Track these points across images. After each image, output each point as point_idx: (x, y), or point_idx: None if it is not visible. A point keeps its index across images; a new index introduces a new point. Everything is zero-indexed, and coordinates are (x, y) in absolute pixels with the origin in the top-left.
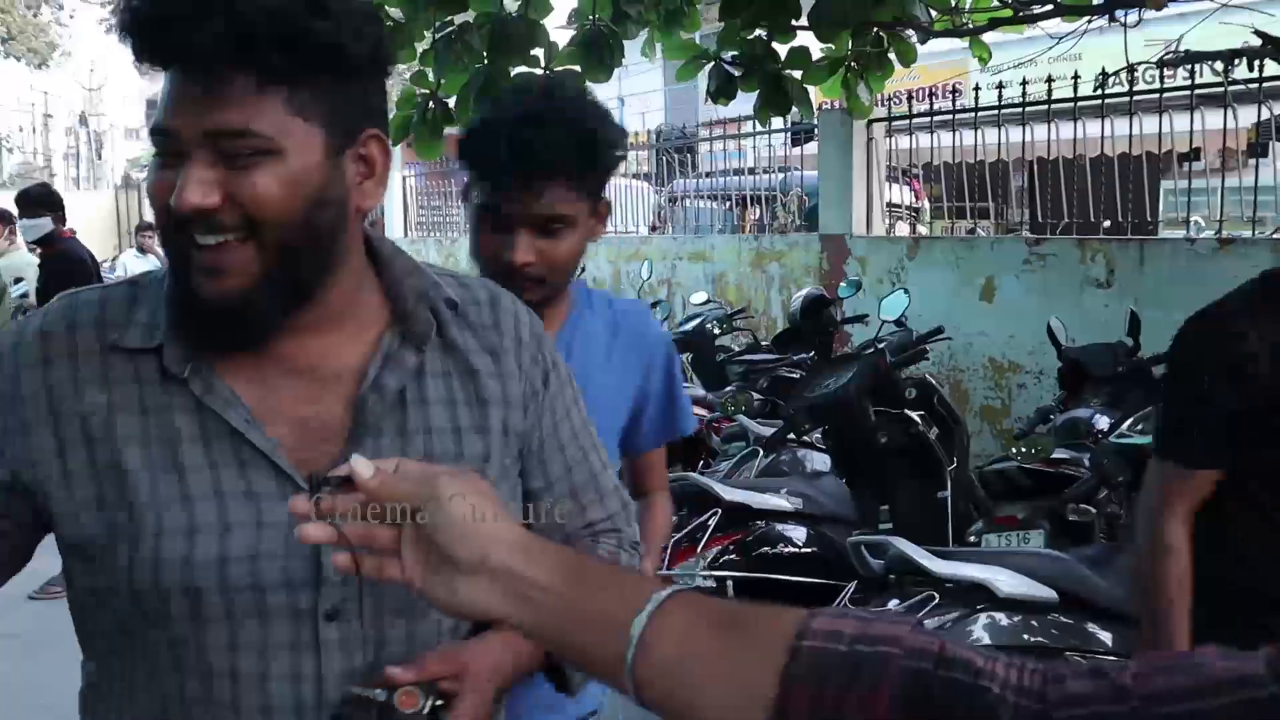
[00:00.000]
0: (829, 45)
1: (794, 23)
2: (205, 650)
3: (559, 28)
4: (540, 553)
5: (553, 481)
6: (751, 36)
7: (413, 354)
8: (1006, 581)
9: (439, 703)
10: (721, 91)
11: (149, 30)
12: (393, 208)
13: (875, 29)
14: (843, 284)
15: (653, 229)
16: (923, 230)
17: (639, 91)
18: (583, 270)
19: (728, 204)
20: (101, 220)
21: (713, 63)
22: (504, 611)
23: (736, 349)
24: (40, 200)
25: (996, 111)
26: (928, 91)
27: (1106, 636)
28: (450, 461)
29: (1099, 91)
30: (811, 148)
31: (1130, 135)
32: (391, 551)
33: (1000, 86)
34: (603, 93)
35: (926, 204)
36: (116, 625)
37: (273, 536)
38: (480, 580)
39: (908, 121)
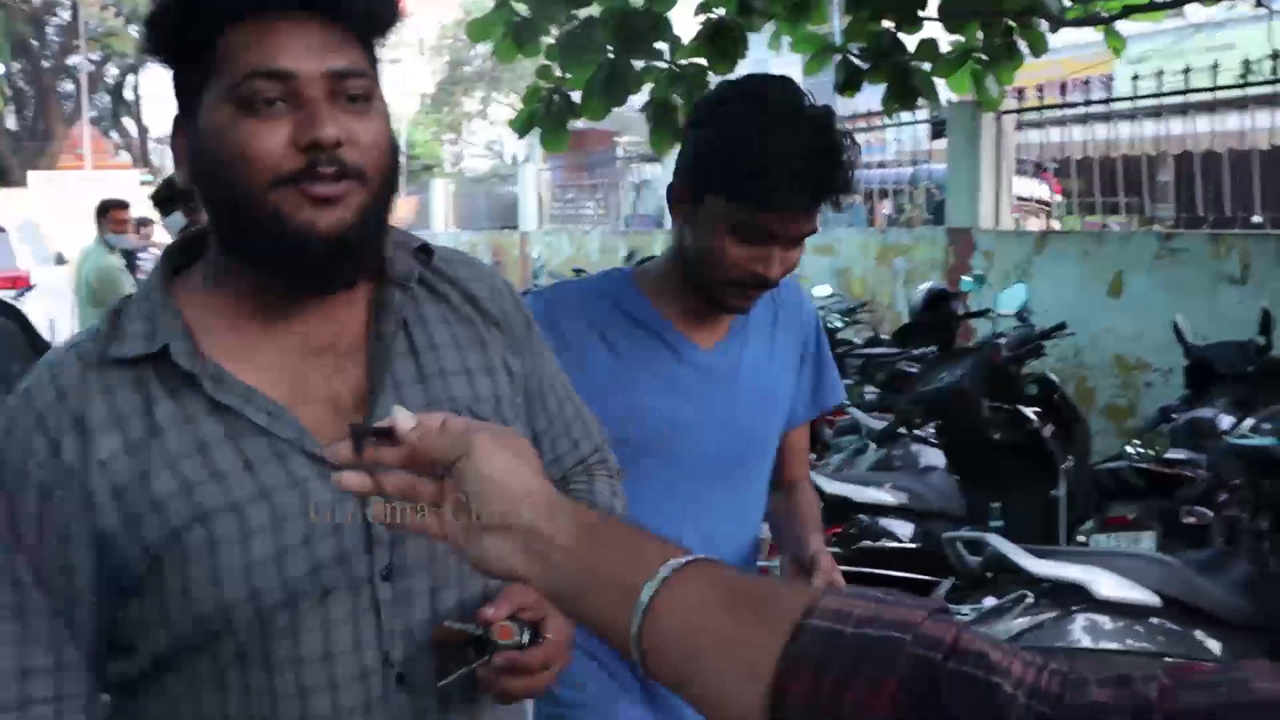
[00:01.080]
0: (957, 36)
1: (921, 14)
2: (269, 652)
3: (689, 19)
4: (563, 512)
5: (553, 420)
6: (879, 28)
7: (398, 293)
8: (1105, 583)
9: (532, 632)
10: (849, 84)
11: None
12: (527, 200)
13: (1005, 19)
14: (966, 278)
15: None
16: (1054, 225)
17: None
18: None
19: (858, 198)
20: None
21: (840, 55)
22: (524, 570)
23: (858, 342)
24: (170, 196)
25: (1132, 104)
26: (1062, 85)
27: (1215, 645)
28: (468, 404)
29: (1241, 81)
30: (944, 143)
31: (1273, 128)
32: (433, 504)
33: (1136, 78)
34: None
35: (1060, 198)
36: (164, 653)
37: (320, 519)
38: (505, 537)
39: (1039, 114)
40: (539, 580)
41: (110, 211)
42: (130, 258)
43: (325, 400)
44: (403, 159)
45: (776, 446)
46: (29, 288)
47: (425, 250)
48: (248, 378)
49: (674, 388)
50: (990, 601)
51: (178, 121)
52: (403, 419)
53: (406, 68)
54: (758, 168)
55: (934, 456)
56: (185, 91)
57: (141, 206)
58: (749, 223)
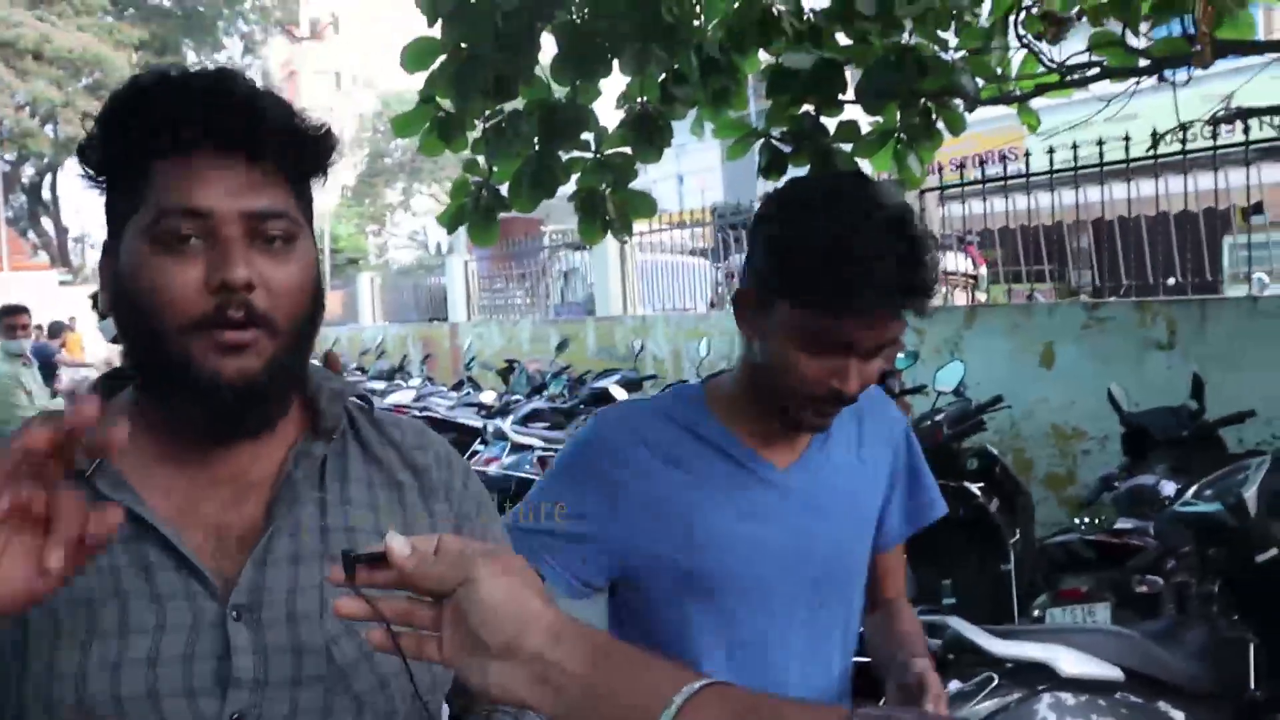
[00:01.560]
0: (877, 118)
1: (840, 97)
2: None
3: (612, 109)
4: (572, 638)
5: None
6: (799, 113)
7: (321, 446)
8: (1069, 660)
9: None
10: (772, 167)
11: (176, 117)
12: (455, 291)
13: (922, 100)
14: (900, 355)
15: (712, 305)
16: (981, 297)
17: (697, 169)
18: (641, 348)
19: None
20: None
21: (762, 139)
22: (532, 698)
23: None
24: None
25: (1049, 175)
26: (980, 159)
27: (1179, 716)
28: (370, 537)
29: (1151, 152)
30: None
31: (1185, 193)
32: (431, 630)
33: (1051, 151)
34: (661, 170)
35: (985, 270)
36: None
37: (173, 641)
38: (511, 665)
39: (960, 189)
40: (549, 709)
41: (4, 318)
42: (47, 362)
43: (213, 527)
44: (327, 253)
45: (868, 568)
46: None
47: (365, 402)
48: (146, 496)
49: (752, 512)
50: (955, 685)
51: (106, 246)
52: (398, 545)
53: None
54: (834, 269)
55: None
56: (113, 217)
57: (59, 308)
58: (825, 331)
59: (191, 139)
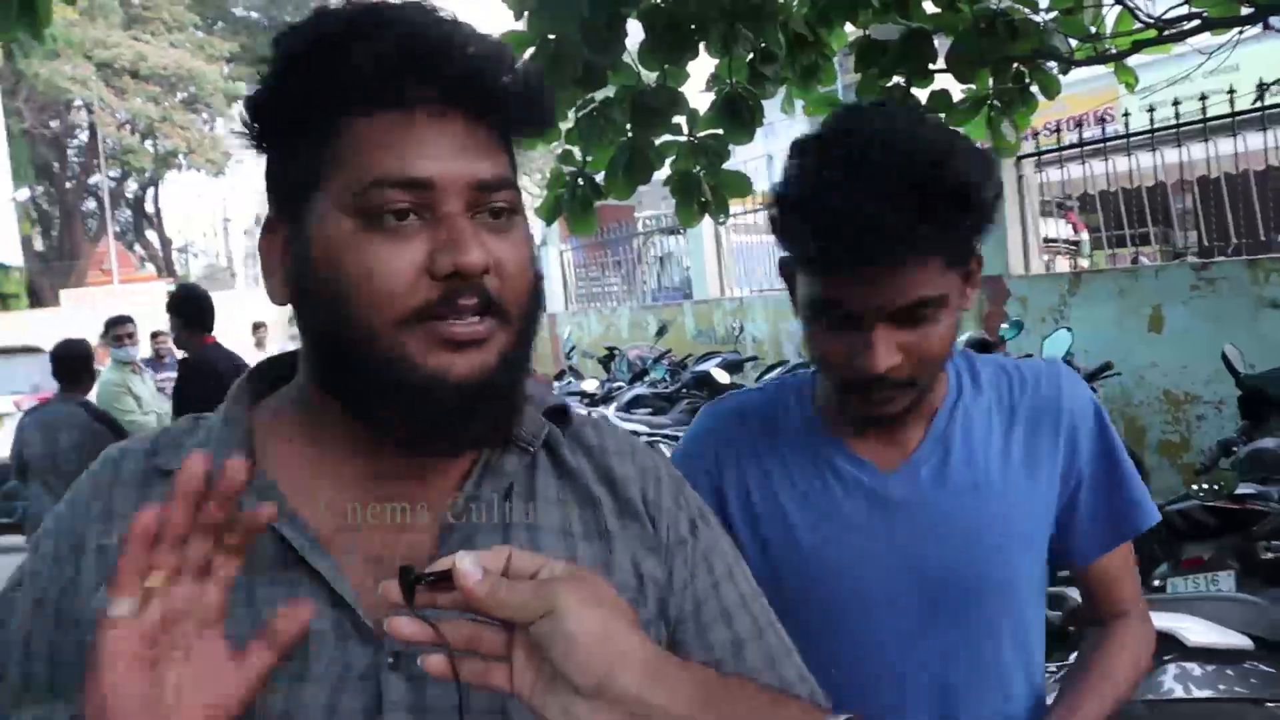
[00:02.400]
0: (969, 86)
1: (931, 66)
2: None
3: (700, 92)
4: (675, 677)
5: (718, 658)
6: (889, 85)
7: (515, 458)
8: (1194, 630)
9: None
10: None
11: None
12: (552, 281)
13: (1015, 64)
14: (1004, 326)
15: None
16: (1084, 263)
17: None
18: (740, 330)
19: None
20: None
21: None
22: None
23: None
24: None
25: (1150, 135)
26: (1077, 121)
27: None
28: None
29: (1257, 104)
30: None
31: None
32: (499, 656)
33: (1151, 109)
34: (751, 150)
35: (1086, 235)
36: None
37: (315, 694)
38: (601, 707)
39: (1058, 154)
40: None
41: (112, 329)
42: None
43: (373, 555)
44: None
45: (1035, 582)
46: None
47: (561, 413)
48: (298, 509)
49: (835, 522)
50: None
51: (271, 222)
52: (466, 567)
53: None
54: (815, 219)
55: None
56: (285, 189)
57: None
58: (831, 298)
59: (412, 93)
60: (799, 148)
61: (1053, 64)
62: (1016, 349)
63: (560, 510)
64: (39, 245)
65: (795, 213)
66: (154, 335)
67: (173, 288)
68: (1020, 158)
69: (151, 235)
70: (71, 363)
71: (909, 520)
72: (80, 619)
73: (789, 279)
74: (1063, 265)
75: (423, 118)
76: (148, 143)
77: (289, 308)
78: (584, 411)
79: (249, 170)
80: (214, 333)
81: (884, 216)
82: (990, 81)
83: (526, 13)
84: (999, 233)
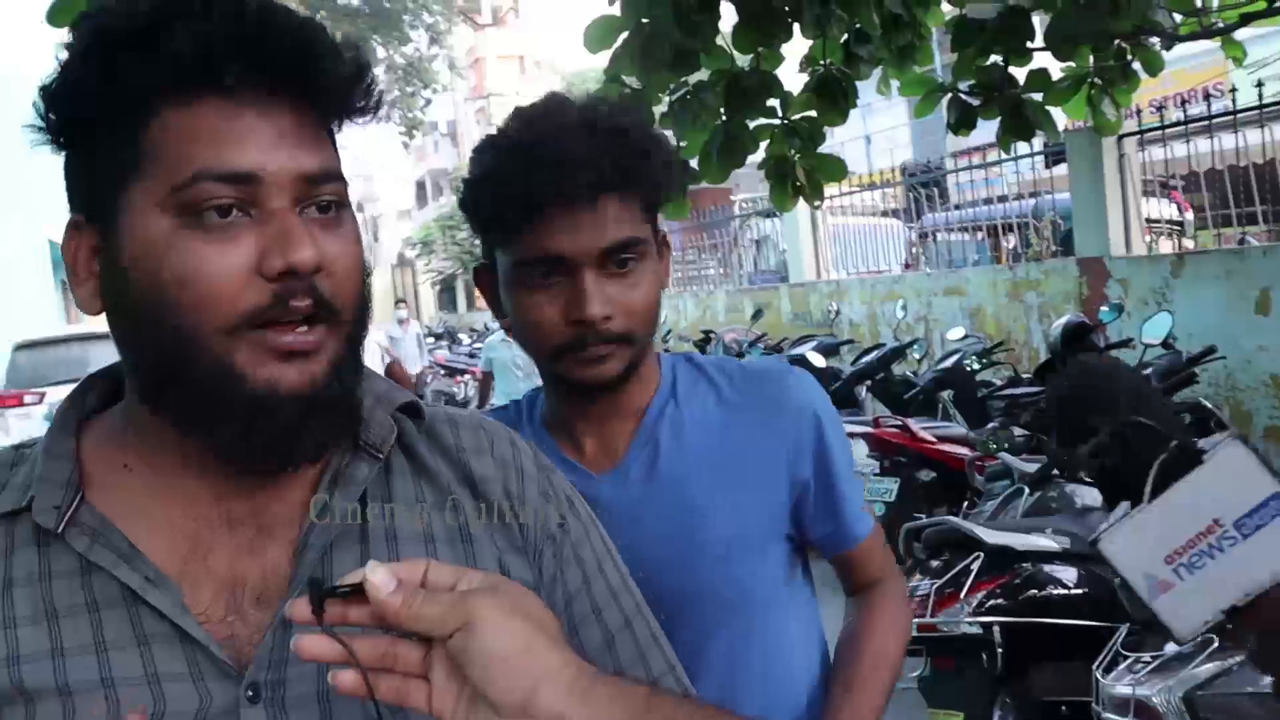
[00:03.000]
0: (1069, 63)
1: (1029, 44)
2: None
3: (796, 74)
4: (602, 695)
5: (590, 658)
6: (987, 64)
7: (366, 465)
8: None
9: None
10: (961, 123)
11: None
12: None
13: (1116, 41)
14: (1104, 308)
15: (906, 266)
16: (1188, 244)
17: (884, 129)
18: (836, 313)
19: (980, 234)
20: (379, 298)
21: (950, 94)
22: None
23: (997, 383)
24: None
25: (1259, 110)
26: (1181, 98)
27: None
28: None
29: None
30: (1063, 169)
31: None
32: (416, 674)
33: (1260, 84)
34: (847, 132)
35: (1191, 215)
36: None
37: None
38: None
39: (1161, 132)
40: None
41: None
42: None
43: (224, 583)
44: None
45: (777, 584)
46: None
47: (414, 411)
48: (138, 541)
49: None
50: (1171, 648)
51: (76, 223)
52: (379, 579)
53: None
54: (510, 175)
55: (1091, 496)
56: (90, 186)
57: None
58: (528, 255)
59: (232, 79)
60: (480, 144)
61: (1156, 40)
62: (1117, 333)
63: (416, 515)
64: None
65: (486, 184)
66: None
67: None
68: (1122, 136)
69: None
70: None
71: (618, 524)
72: None
73: (486, 288)
74: (1166, 246)
75: (244, 105)
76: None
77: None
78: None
79: (345, 155)
80: None
81: (568, 152)
82: (1091, 59)
83: None
84: (1098, 213)
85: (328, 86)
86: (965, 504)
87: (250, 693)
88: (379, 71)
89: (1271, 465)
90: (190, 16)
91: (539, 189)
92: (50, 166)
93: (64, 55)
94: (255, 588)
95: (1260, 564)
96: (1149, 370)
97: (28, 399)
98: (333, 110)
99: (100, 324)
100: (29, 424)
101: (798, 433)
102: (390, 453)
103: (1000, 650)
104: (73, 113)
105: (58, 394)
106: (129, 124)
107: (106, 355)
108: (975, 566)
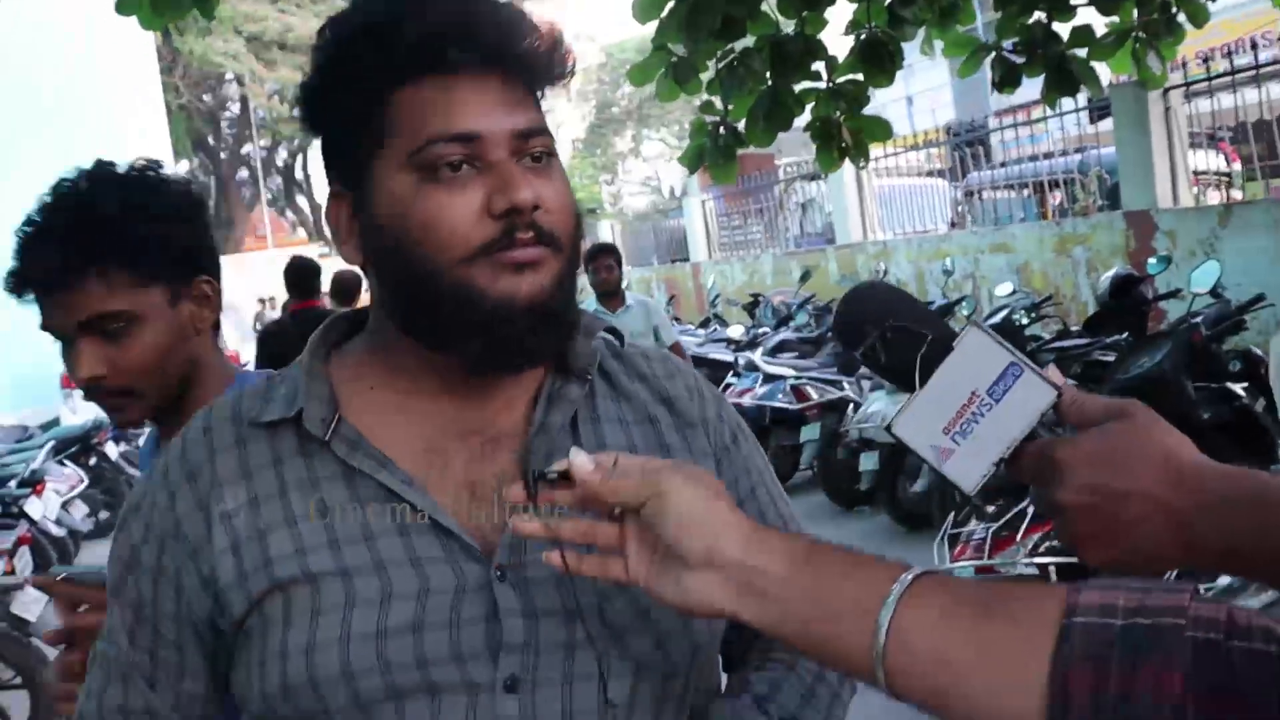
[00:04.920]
0: (1112, 18)
1: (1073, 1)
2: None
3: (840, 37)
4: (771, 542)
5: None
6: (1030, 21)
7: (575, 387)
8: None
9: None
10: (1006, 81)
11: None
12: (695, 231)
13: None
14: (1152, 260)
15: (952, 225)
16: (1236, 195)
17: (926, 89)
18: (884, 273)
19: (1026, 191)
20: None
21: (993, 53)
22: (736, 606)
23: (1047, 337)
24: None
25: None
26: (1228, 49)
27: None
28: None
29: None
30: (1109, 124)
31: None
32: (615, 549)
33: None
34: (890, 93)
35: (1239, 166)
36: None
37: (438, 606)
38: (709, 574)
39: (1207, 83)
40: (754, 615)
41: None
42: None
43: (463, 484)
44: None
45: None
46: (240, 366)
47: (614, 335)
48: (387, 450)
49: None
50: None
51: (336, 194)
52: (581, 460)
53: (558, 116)
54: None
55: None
56: (346, 161)
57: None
58: (45, 326)
59: (454, 59)
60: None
61: None
62: (1165, 284)
63: (622, 430)
64: None
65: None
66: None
67: (325, 250)
68: (1167, 89)
69: (302, 201)
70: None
71: None
72: (214, 581)
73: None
74: (1214, 198)
75: (465, 80)
76: (296, 112)
77: None
78: (728, 358)
79: None
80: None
81: (43, 241)
82: (1135, 13)
83: None
84: (1144, 167)
85: (529, 60)
86: None
87: (499, 573)
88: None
89: (1005, 343)
90: (415, 13)
91: (26, 271)
92: (103, 157)
93: (314, 56)
94: (489, 489)
95: (1013, 421)
96: (1199, 318)
97: None
98: (535, 78)
99: None
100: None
101: None
102: (594, 383)
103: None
104: (325, 103)
105: None
106: (373, 105)
107: None
108: (1030, 510)
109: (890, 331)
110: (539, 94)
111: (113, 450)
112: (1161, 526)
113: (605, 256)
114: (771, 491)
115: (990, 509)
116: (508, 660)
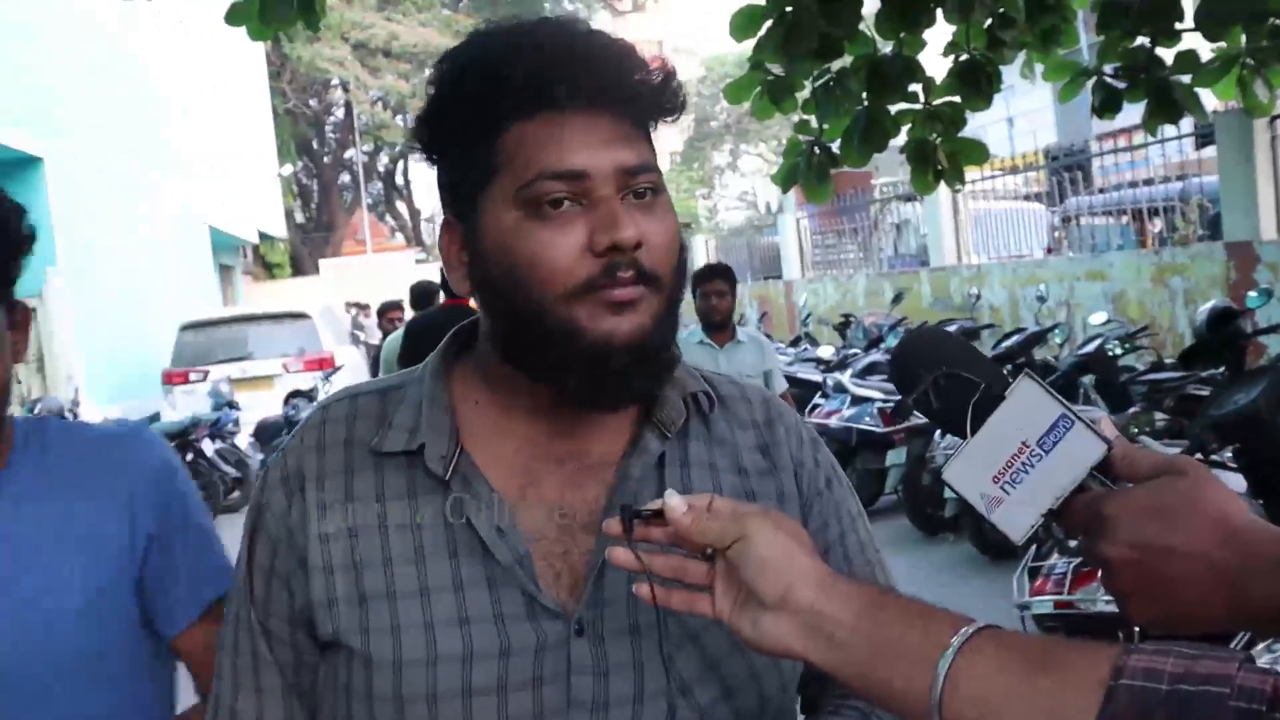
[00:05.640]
0: (1219, 44)
1: (1178, 25)
2: None
3: (938, 59)
4: (843, 589)
5: None
6: (1133, 46)
7: (657, 441)
8: None
9: None
10: (1106, 106)
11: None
12: (789, 248)
13: (1270, 19)
14: (1252, 293)
15: (1048, 251)
16: None
17: (1027, 110)
18: (977, 297)
19: (1125, 218)
20: None
21: (1095, 77)
22: (806, 649)
23: (1140, 369)
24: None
25: None
26: None
27: None
28: None
29: None
30: (1213, 150)
31: None
32: (703, 586)
33: None
34: (990, 114)
35: None
36: None
37: (520, 667)
38: (783, 617)
39: None
40: (822, 658)
41: (388, 313)
42: None
43: (554, 508)
44: None
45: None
46: (335, 369)
47: (709, 395)
48: (488, 470)
49: None
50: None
51: (448, 223)
52: (675, 503)
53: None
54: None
55: (1235, 483)
56: (458, 190)
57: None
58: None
59: (563, 97)
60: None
61: None
62: (1265, 318)
63: (711, 475)
64: (299, 218)
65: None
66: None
67: (422, 256)
68: (1274, 118)
69: (401, 206)
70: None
71: None
72: (309, 593)
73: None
74: None
75: (573, 117)
76: (399, 118)
77: None
78: (816, 378)
79: None
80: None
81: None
82: (1243, 39)
83: None
84: (1248, 196)
85: (637, 96)
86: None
87: (577, 627)
88: None
89: (1056, 395)
90: (529, 50)
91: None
92: (210, 159)
93: (430, 89)
94: (580, 515)
95: (1062, 473)
96: None
97: (193, 376)
98: (644, 114)
99: (255, 306)
100: (194, 399)
101: (134, 495)
102: (689, 424)
103: (1136, 630)
104: (441, 134)
105: (220, 371)
106: (487, 140)
107: (263, 334)
108: None
109: (943, 378)
110: (649, 128)
111: (209, 447)
112: (1209, 586)
113: (716, 280)
114: (861, 538)
115: (1073, 543)
116: (578, 715)
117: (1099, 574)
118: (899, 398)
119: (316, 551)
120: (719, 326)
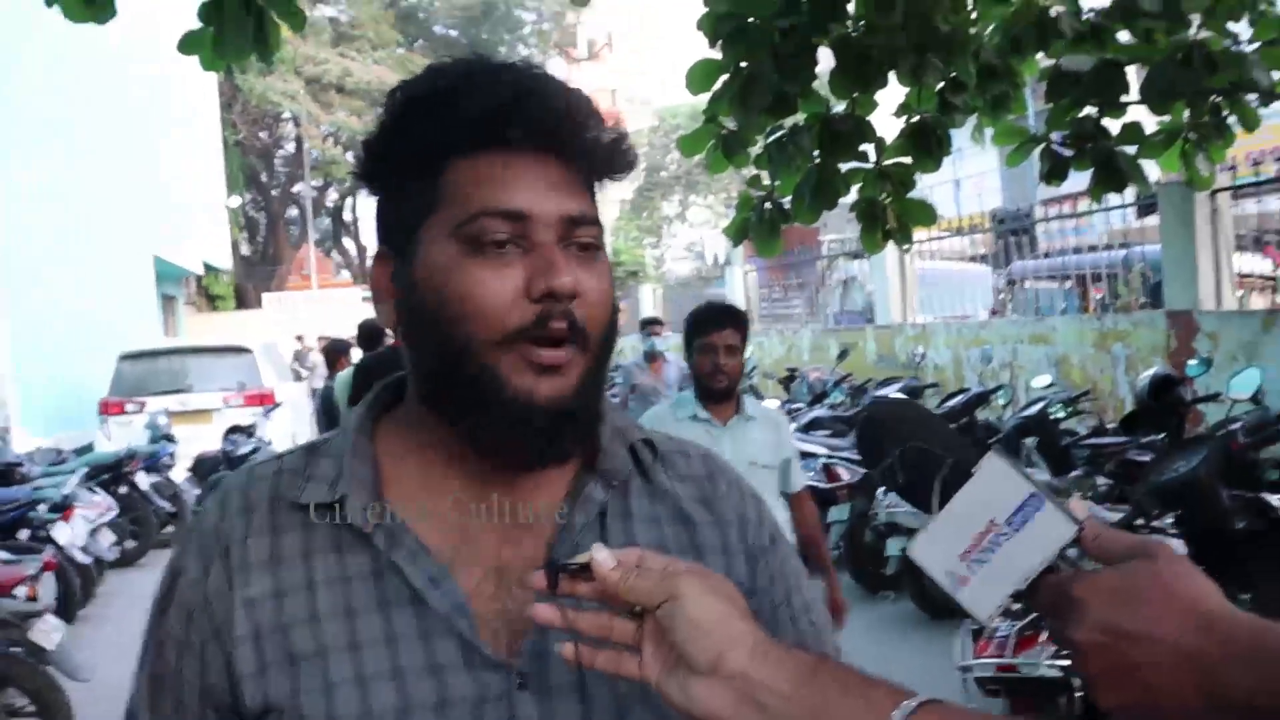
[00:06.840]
0: (1163, 118)
1: (1124, 98)
2: None
3: (890, 120)
4: (778, 656)
5: None
6: (1080, 115)
7: (600, 491)
8: None
9: None
10: (1053, 173)
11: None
12: (735, 300)
13: (1212, 96)
14: (1192, 362)
15: (993, 313)
16: None
17: (974, 174)
18: (922, 356)
19: (1068, 283)
20: None
21: (1042, 145)
22: (737, 716)
23: (1082, 432)
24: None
25: None
26: (1278, 153)
27: None
28: None
29: None
30: (1155, 219)
31: None
32: (631, 646)
33: None
34: (937, 176)
35: None
36: None
37: (459, 718)
38: (714, 682)
39: (1255, 187)
40: None
41: (338, 360)
42: None
43: (491, 566)
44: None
45: None
46: (275, 405)
47: (649, 446)
48: (419, 529)
49: None
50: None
51: (381, 254)
52: (602, 557)
53: (602, 188)
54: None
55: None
56: (396, 223)
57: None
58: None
59: (511, 135)
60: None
61: (1253, 96)
62: (1204, 386)
63: (654, 529)
64: (245, 250)
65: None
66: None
67: (368, 294)
68: (1215, 191)
69: (348, 243)
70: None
71: None
72: (233, 667)
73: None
74: (1259, 302)
75: (522, 158)
76: (349, 154)
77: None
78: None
79: None
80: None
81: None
82: (1186, 114)
83: (720, 41)
84: (1189, 266)
85: (588, 147)
86: None
87: (519, 680)
88: None
89: (1026, 473)
90: (481, 87)
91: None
92: (156, 189)
93: (380, 118)
94: (517, 571)
95: (1031, 552)
96: (1237, 425)
97: (130, 407)
98: (592, 167)
99: (196, 339)
100: (130, 431)
101: None
102: (630, 477)
103: (1079, 695)
104: (384, 164)
105: (158, 403)
106: (430, 173)
107: (204, 367)
108: None
109: (910, 452)
110: (595, 185)
111: (144, 480)
112: (1180, 673)
113: (726, 328)
114: (807, 599)
115: (1016, 606)
116: None
117: (1041, 638)
118: (843, 454)
119: (243, 618)
120: (722, 395)
